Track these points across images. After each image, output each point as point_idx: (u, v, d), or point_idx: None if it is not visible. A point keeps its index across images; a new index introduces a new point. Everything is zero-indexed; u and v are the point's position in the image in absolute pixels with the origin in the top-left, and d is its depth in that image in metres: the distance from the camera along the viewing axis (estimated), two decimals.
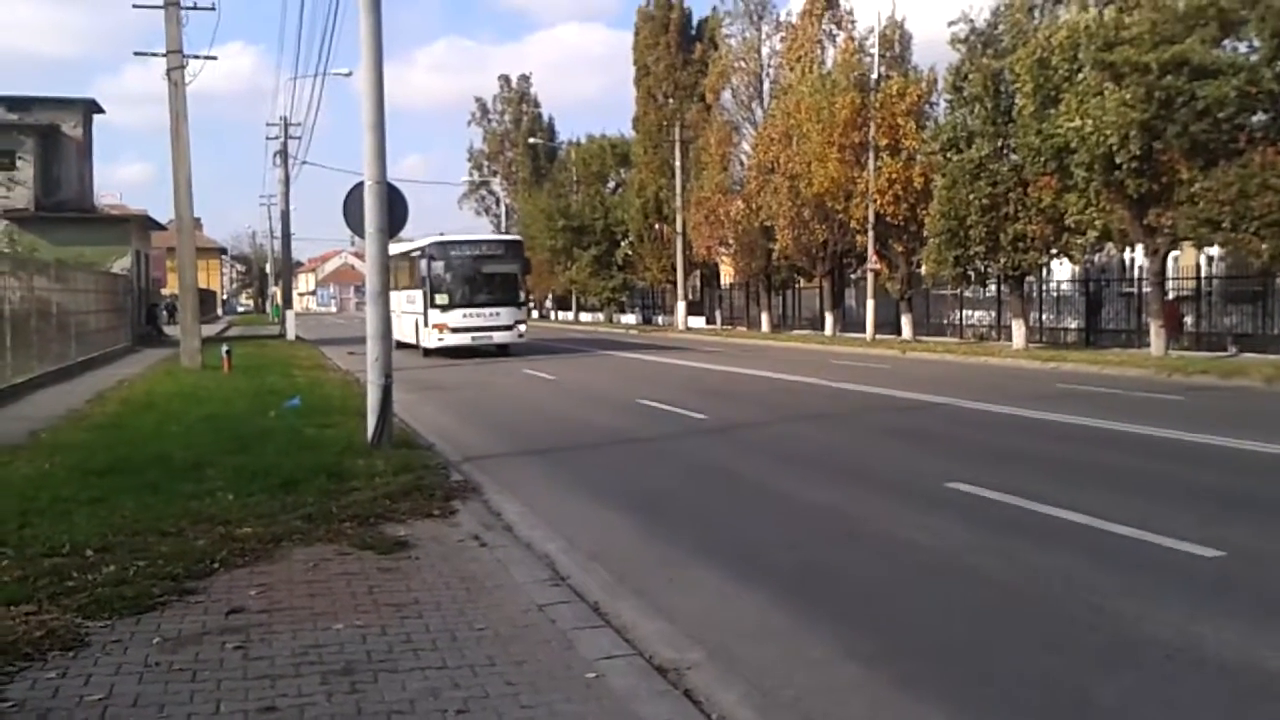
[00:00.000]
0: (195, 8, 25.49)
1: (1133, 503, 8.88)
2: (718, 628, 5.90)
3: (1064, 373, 22.68)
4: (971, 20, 29.73)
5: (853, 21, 41.87)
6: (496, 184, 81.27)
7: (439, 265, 29.90)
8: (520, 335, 30.72)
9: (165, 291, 57.24)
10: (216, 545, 7.07)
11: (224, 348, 23.94)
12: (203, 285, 51.73)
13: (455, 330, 29.59)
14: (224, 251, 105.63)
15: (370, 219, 11.21)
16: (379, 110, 11.30)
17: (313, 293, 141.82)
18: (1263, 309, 26.28)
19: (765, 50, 46.58)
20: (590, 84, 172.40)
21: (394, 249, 33.56)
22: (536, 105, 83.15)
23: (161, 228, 44.49)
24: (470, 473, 10.51)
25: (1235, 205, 19.79)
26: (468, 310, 29.73)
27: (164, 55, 24.58)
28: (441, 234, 32.76)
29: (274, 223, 63.76)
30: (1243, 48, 20.74)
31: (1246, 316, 26.80)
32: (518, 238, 35.66)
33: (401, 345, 29.28)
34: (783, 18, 45.78)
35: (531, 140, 75.43)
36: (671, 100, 57.22)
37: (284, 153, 48.02)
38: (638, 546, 7.91)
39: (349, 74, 46.04)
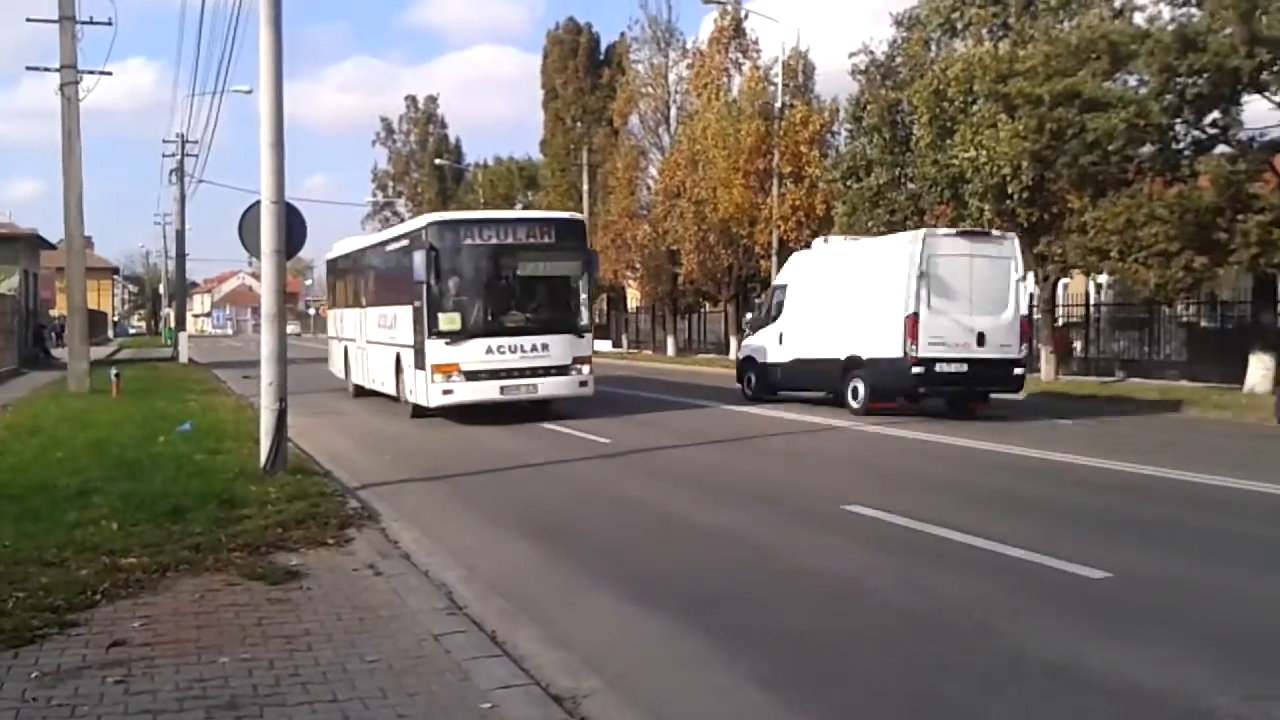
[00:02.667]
0: (91, 22, 24.82)
1: (1023, 525, 9.08)
2: (617, 655, 5.86)
3: None
4: (871, 52, 30.39)
5: (758, 51, 42.52)
6: (401, 205, 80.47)
7: (445, 262, 17.02)
8: (584, 384, 17.77)
9: (54, 312, 55.32)
10: (100, 575, 6.81)
11: (113, 371, 23.16)
12: (93, 306, 50.19)
13: (473, 375, 17.03)
14: (116, 271, 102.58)
15: (267, 239, 10.97)
16: (278, 129, 11.09)
17: (208, 314, 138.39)
18: (1149, 335, 27.20)
19: (672, 77, 46.99)
20: (499, 106, 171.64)
21: (360, 240, 25.64)
22: (443, 126, 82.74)
23: (51, 247, 42.98)
24: (368, 500, 10.31)
25: (1123, 235, 20.48)
26: (494, 340, 17.13)
27: (58, 70, 23.84)
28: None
29: (169, 242, 62.10)
30: (1132, 81, 21.52)
31: (1133, 343, 27.70)
32: (577, 216, 20.81)
33: (363, 392, 22.66)
34: (690, 45, 46.23)
35: (438, 161, 74.87)
36: (580, 124, 57.39)
37: (180, 170, 46.81)
38: (539, 574, 7.84)
39: (249, 91, 45.02)
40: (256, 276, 12.34)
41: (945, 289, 17.14)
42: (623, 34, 53.25)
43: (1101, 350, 28.61)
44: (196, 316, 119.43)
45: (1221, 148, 20.79)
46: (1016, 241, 18.48)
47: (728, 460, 13.78)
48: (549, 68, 60.27)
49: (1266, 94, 19.70)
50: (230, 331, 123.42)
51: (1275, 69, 18.95)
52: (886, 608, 6.79)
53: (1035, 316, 26.05)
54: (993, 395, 18.61)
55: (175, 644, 5.66)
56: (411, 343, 17.89)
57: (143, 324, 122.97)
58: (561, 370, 17.45)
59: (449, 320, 16.95)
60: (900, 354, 17.08)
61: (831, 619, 6.60)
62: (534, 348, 17.20)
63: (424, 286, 16.83)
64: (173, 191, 48.06)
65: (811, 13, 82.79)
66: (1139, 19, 21.92)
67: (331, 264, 27.63)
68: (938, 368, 17.15)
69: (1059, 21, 26.04)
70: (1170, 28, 20.17)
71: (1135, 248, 20.29)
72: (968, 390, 17.99)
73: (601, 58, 59.45)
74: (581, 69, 58.90)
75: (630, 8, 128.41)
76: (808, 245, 34.89)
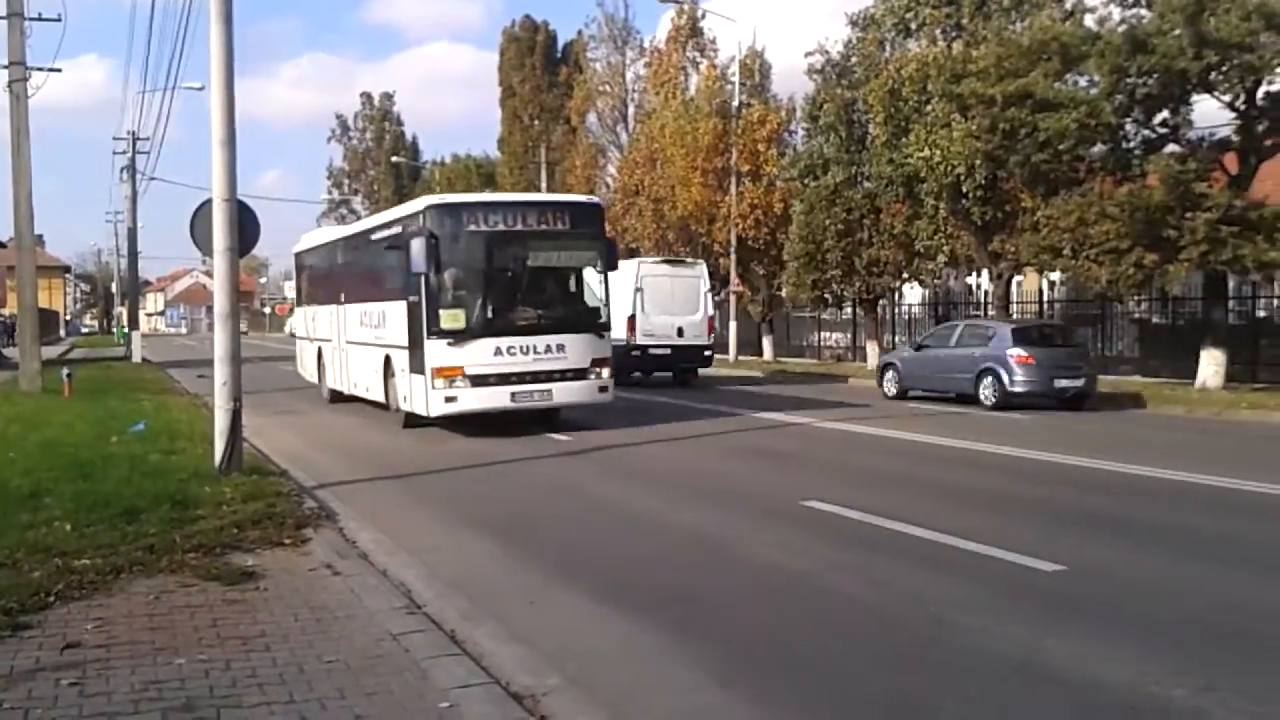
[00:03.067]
0: (40, 19, 24.42)
1: (979, 519, 9.19)
2: (578, 653, 5.86)
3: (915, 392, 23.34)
4: (827, 52, 30.60)
5: (715, 50, 42.67)
6: (358, 203, 79.99)
7: (446, 251, 15.02)
8: (603, 389, 16.05)
9: (4, 312, 54.40)
10: (53, 577, 6.72)
11: (65, 370, 22.85)
12: (44, 305, 49.31)
13: (480, 379, 15.09)
14: (68, 270, 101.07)
15: (219, 237, 10.85)
16: (230, 125, 10.97)
17: (161, 313, 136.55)
18: (1101, 332, 27.57)
19: (630, 75, 47.14)
20: (456, 103, 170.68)
21: (337, 230, 24.70)
22: (399, 123, 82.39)
23: (1, 245, 42.28)
24: (325, 499, 10.24)
25: (1075, 233, 20.74)
26: (504, 340, 15.23)
27: (6, 67, 23.43)
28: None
29: (121, 240, 61.41)
30: (1083, 82, 21.78)
31: (1086, 339, 28.07)
32: (595, 200, 18.73)
33: (340, 398, 20.53)
34: (647, 44, 46.35)
35: (394, 159, 74.48)
36: (537, 122, 57.36)
37: (132, 168, 46.23)
38: (498, 572, 7.82)
39: (201, 88, 44.58)
40: (210, 275, 12.02)
41: (653, 299, 24.95)
42: (580, 32, 53.36)
43: None
44: (150, 315, 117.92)
45: (1171, 147, 21.10)
46: (704, 265, 27.14)
47: (685, 455, 13.84)
48: (506, 65, 60.20)
49: (1215, 94, 20.04)
50: (184, 330, 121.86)
51: (1223, 70, 19.26)
52: (845, 603, 6.85)
53: (991, 313, 26.42)
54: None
55: (130, 646, 5.60)
56: (406, 343, 15.84)
57: (95, 323, 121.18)
58: (579, 374, 15.60)
59: (452, 317, 14.90)
60: (624, 342, 23.01)
61: (791, 615, 6.64)
62: (548, 349, 15.31)
63: (422, 279, 14.82)
64: (124, 189, 47.56)
65: (768, 12, 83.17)
66: (1090, 21, 22.20)
67: (301, 257, 24.90)
68: (650, 351, 25.03)
69: (1011, 23, 26.35)
70: (1120, 29, 20.44)
71: (1087, 245, 20.57)
72: (674, 366, 25.91)
73: (559, 56, 59.47)
74: (539, 67, 58.88)
75: (587, 6, 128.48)
76: (768, 243, 35.40)
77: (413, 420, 16.16)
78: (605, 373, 15.87)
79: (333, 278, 21.27)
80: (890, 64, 27.83)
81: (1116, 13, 21.13)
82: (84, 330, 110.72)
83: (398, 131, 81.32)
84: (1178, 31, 19.13)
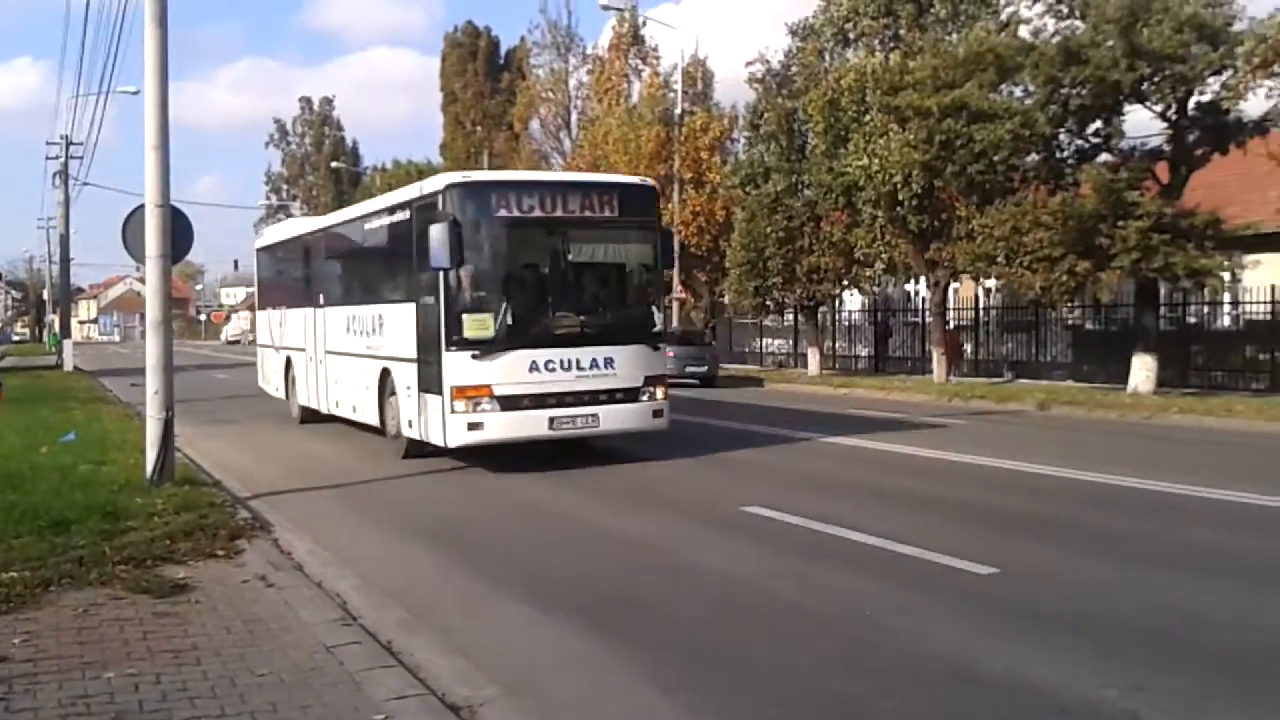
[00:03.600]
0: None
1: (913, 522, 9.28)
2: (516, 662, 5.84)
3: (855, 398, 23.59)
4: (768, 61, 30.86)
5: (657, 58, 42.87)
6: (296, 208, 79.18)
7: (472, 242, 12.35)
8: (658, 414, 13.35)
9: None
10: None
11: None
12: None
13: (512, 401, 12.40)
14: None
15: (151, 244, 10.67)
16: (163, 130, 10.80)
17: (95, 321, 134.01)
18: (1035, 338, 28.01)
19: (573, 82, 47.20)
20: (398, 109, 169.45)
21: (315, 221, 20.51)
22: (340, 129, 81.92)
23: None
24: (259, 510, 10.10)
25: (1009, 241, 21.07)
26: (542, 353, 12.58)
27: None
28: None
29: (53, 247, 60.07)
30: (1018, 93, 22.15)
31: (1021, 345, 28.50)
32: (649, 182, 14.73)
33: (314, 417, 17.79)
34: (590, 51, 46.37)
35: (334, 164, 73.85)
36: (479, 128, 57.18)
37: (64, 173, 45.35)
38: (437, 582, 7.77)
39: (136, 92, 43.88)
40: (144, 282, 11.74)
41: None
42: (523, 38, 53.37)
43: (991, 352, 29.39)
44: (83, 323, 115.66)
45: (1104, 156, 21.51)
46: None
47: (601, 458, 13.82)
48: (448, 71, 60.02)
49: (1147, 104, 20.46)
50: (118, 338, 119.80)
51: (1155, 80, 19.69)
52: (784, 608, 6.88)
53: (928, 320, 26.75)
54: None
55: (58, 660, 5.50)
56: (413, 355, 13.08)
57: (26, 331, 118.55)
58: (630, 395, 12.94)
59: (477, 324, 12.14)
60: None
61: (730, 620, 6.66)
62: (594, 363, 12.65)
63: (441, 277, 12.12)
64: (57, 194, 46.59)
65: (709, 21, 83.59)
66: (1024, 32, 22.55)
67: (266, 254, 21.80)
68: None
69: (948, 34, 26.76)
70: (1054, 41, 20.82)
71: (1021, 253, 20.90)
72: None
73: (501, 62, 59.45)
74: (481, 73, 58.78)
75: (530, 12, 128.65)
76: (711, 249, 35.57)
77: (416, 449, 13.45)
78: (660, 393, 13.25)
79: (309, 276, 18.49)
80: (829, 74, 28.12)
81: (1051, 24, 21.55)
82: (15, 338, 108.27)
83: (338, 137, 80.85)
84: (1111, 43, 19.52)
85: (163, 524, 8.61)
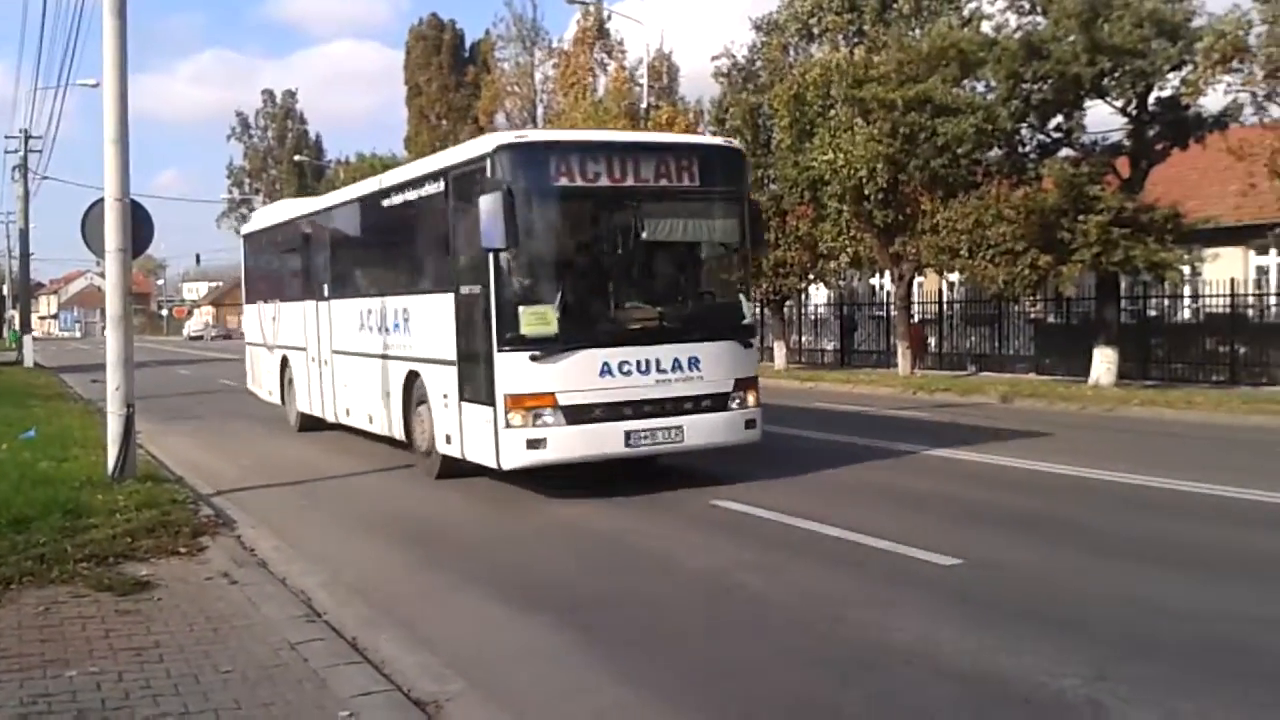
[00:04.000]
0: None
1: (877, 515, 9.34)
2: (482, 657, 5.84)
3: (821, 391, 23.70)
4: (733, 55, 30.87)
5: (623, 52, 42.83)
6: (259, 202, 78.51)
7: (527, 216, 10.09)
8: (750, 424, 11.14)
9: None
10: None
11: None
12: None
13: (580, 413, 10.19)
14: None
15: (111, 238, 10.57)
16: (123, 123, 10.69)
17: (55, 317, 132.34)
18: (998, 331, 28.22)
19: (539, 76, 47.04)
20: (362, 102, 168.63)
21: (318, 200, 17.68)
22: (303, 122, 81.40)
23: None
24: (222, 507, 10.03)
25: (972, 234, 21.24)
26: (614, 353, 10.40)
27: None
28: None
29: (12, 242, 59.32)
30: (980, 88, 22.31)
31: (984, 338, 28.70)
32: (735, 145, 12.22)
33: (315, 425, 15.96)
34: (555, 44, 46.26)
35: (297, 158, 73.30)
36: (445, 121, 56.96)
37: (24, 167, 44.76)
38: (402, 577, 7.76)
39: (96, 85, 43.38)
40: (105, 277, 11.57)
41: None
42: (488, 31, 53.14)
43: (955, 346, 29.59)
44: (43, 319, 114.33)
45: (1065, 151, 21.72)
46: None
47: None
48: (412, 64, 59.73)
49: (1107, 99, 20.65)
50: (79, 334, 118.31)
51: (1116, 75, 19.87)
52: (750, 601, 6.91)
53: (893, 313, 26.89)
54: None
55: (19, 658, 5.46)
56: (450, 356, 11.04)
57: None
58: (718, 402, 10.74)
59: (537, 318, 9.98)
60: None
61: (696, 614, 6.69)
62: (676, 364, 10.50)
63: (491, 260, 9.99)
64: (16, 189, 45.98)
65: (675, 15, 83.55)
66: (987, 27, 22.70)
67: (256, 240, 19.58)
68: None
69: (911, 29, 26.87)
70: (1017, 36, 20.96)
71: (984, 247, 21.07)
72: None
73: (466, 55, 59.20)
74: (446, 66, 58.52)
75: (495, 5, 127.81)
76: None
77: (452, 468, 11.37)
78: (751, 399, 11.03)
79: (311, 265, 16.07)
80: (794, 69, 28.17)
81: (1013, 20, 21.68)
82: None
83: (301, 130, 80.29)
84: (1072, 38, 19.69)
85: (125, 521, 8.54)
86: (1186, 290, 23.50)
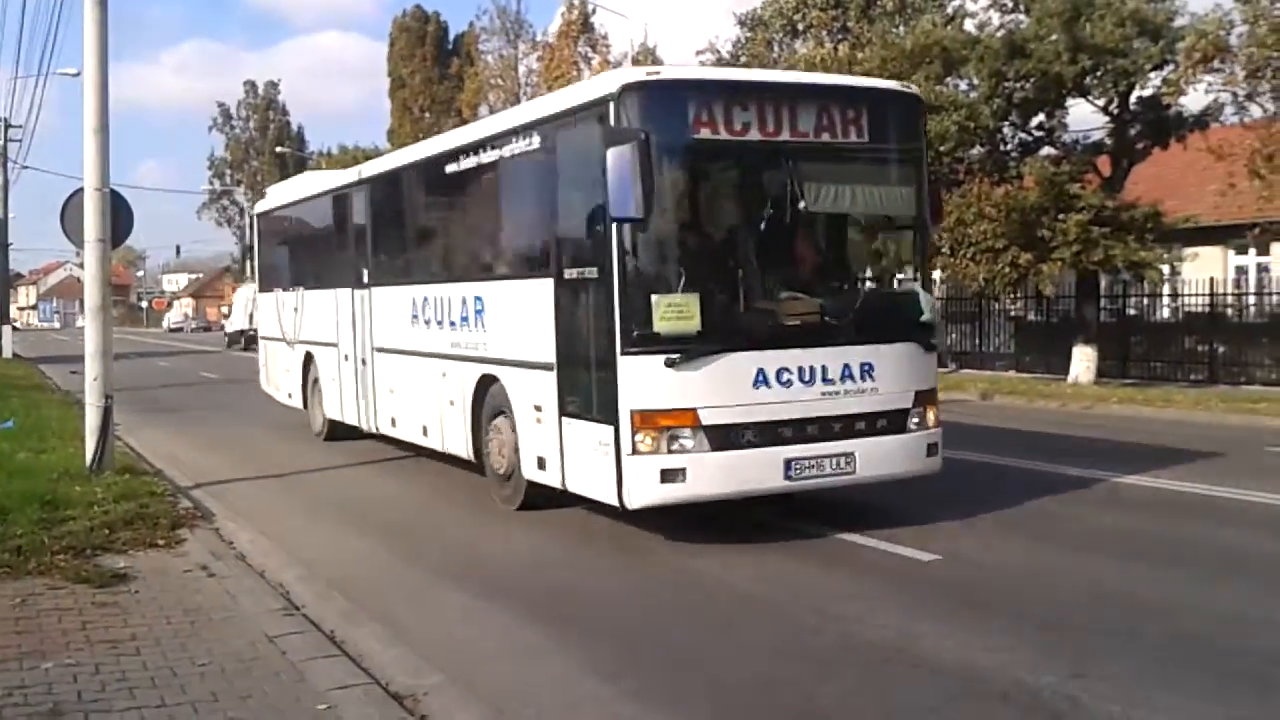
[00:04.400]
0: None
1: (857, 509, 9.33)
2: (459, 650, 5.84)
3: None
4: (717, 50, 30.87)
5: (607, 46, 42.66)
6: (240, 194, 78.20)
7: (663, 176, 7.72)
8: (932, 449, 8.79)
9: None
10: None
11: None
12: None
13: (728, 435, 7.82)
14: None
15: (90, 228, 10.50)
16: (103, 112, 10.63)
17: (34, 307, 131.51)
18: (979, 329, 28.35)
19: (523, 69, 46.85)
20: (346, 94, 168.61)
21: (393, 157, 13.85)
22: (285, 113, 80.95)
23: None
24: (201, 499, 10.00)
25: (954, 232, 21.27)
26: (771, 358, 8.00)
27: None
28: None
29: None
30: (963, 85, 22.38)
31: (964, 335, 28.82)
32: (910, 89, 9.34)
33: (345, 433, 13.88)
34: (539, 37, 46.15)
35: (279, 149, 72.93)
36: (428, 114, 56.71)
37: (4, 156, 44.41)
38: (380, 571, 7.75)
39: (77, 74, 43.04)
40: (84, 267, 11.34)
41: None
42: (472, 24, 52.99)
43: None
44: (22, 309, 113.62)
45: (1046, 150, 21.84)
46: None
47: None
48: (396, 56, 59.50)
49: (1089, 98, 20.77)
50: (58, 325, 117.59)
51: (1097, 74, 19.99)
52: (726, 595, 6.93)
53: None
54: None
55: None
56: (547, 358, 8.73)
57: None
58: (896, 422, 8.51)
59: (676, 310, 7.73)
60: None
61: (672, 607, 6.71)
62: (847, 372, 8.26)
63: (615, 235, 7.75)
64: None
65: (659, 9, 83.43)
66: (970, 25, 22.83)
67: (274, 219, 17.30)
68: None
69: (895, 26, 26.93)
70: (999, 34, 21.07)
71: (965, 244, 21.11)
72: None
73: (450, 47, 58.98)
74: (429, 58, 58.32)
75: None
76: None
77: (538, 498, 9.25)
78: (932, 418, 8.77)
79: (347, 244, 13.72)
80: (778, 65, 28.19)
81: (996, 18, 21.81)
82: None
83: (283, 121, 79.89)
84: (1055, 37, 19.79)
85: (102, 513, 8.49)
86: (1166, 289, 23.63)
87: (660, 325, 7.64)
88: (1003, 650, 5.67)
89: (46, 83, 60.70)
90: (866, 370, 8.28)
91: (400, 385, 11.95)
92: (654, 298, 7.64)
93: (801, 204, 8.04)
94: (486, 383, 9.93)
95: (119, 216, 11.15)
